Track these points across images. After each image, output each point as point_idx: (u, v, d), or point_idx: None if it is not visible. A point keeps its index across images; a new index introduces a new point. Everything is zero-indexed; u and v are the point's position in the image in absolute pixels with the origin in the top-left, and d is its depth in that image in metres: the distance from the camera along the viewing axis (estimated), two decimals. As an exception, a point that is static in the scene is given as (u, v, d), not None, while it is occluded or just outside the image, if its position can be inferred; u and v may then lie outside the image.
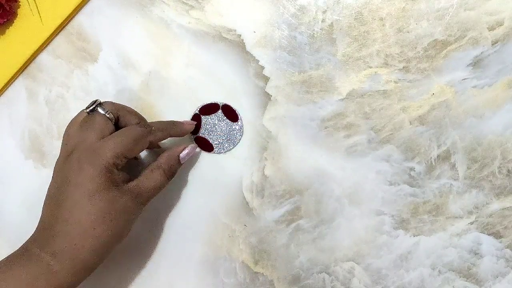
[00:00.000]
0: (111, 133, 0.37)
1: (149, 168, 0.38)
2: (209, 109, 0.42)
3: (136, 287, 0.43)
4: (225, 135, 0.42)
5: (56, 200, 0.35)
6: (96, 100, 0.37)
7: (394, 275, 0.39)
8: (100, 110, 0.37)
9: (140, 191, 0.36)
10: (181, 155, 0.39)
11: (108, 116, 0.37)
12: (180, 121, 0.41)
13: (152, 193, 0.37)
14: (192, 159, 0.43)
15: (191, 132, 0.42)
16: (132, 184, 0.36)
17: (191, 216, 0.43)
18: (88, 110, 0.37)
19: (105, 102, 0.38)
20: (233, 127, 0.42)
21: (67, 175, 0.35)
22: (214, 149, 0.42)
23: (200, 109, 0.42)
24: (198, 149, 0.42)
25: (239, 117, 0.42)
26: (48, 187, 0.37)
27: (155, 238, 0.43)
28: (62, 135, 0.38)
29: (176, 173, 0.39)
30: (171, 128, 0.40)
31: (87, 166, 0.34)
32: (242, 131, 0.42)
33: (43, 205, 0.37)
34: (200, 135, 0.42)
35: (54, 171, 0.37)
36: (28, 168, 0.46)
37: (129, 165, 0.41)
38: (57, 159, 0.37)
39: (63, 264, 0.33)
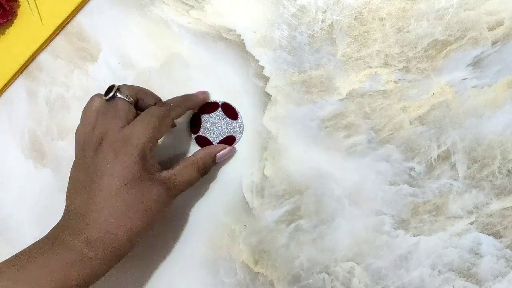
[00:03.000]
0: (135, 117, 0.37)
1: (183, 163, 0.38)
2: (209, 107, 0.42)
3: (136, 287, 0.43)
4: (226, 133, 0.42)
5: (88, 189, 0.35)
6: (113, 85, 0.37)
7: (394, 275, 0.39)
8: (120, 95, 0.37)
9: (173, 183, 0.37)
10: (218, 154, 0.40)
11: (128, 100, 0.37)
12: (192, 93, 0.41)
13: (183, 187, 0.37)
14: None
15: (191, 131, 0.42)
16: (166, 175, 0.36)
17: (191, 216, 0.43)
18: (108, 97, 0.37)
19: (122, 86, 0.38)
20: (233, 125, 0.42)
21: (100, 164, 0.35)
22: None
23: (199, 108, 0.42)
24: (235, 150, 0.42)
25: (239, 115, 0.42)
26: (71, 176, 0.37)
27: (155, 238, 0.43)
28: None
29: (208, 171, 0.40)
30: (187, 101, 0.40)
31: (122, 155, 0.34)
32: (242, 129, 0.42)
33: (70, 195, 0.36)
34: (201, 133, 0.42)
35: (80, 160, 0.37)
36: (28, 168, 0.46)
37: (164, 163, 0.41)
38: (82, 149, 0.37)
39: (97, 252, 0.33)
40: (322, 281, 0.40)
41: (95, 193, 0.34)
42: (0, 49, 0.45)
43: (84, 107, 0.38)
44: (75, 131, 0.38)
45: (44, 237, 0.35)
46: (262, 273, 0.41)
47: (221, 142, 0.42)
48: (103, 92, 0.37)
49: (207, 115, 0.42)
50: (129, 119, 0.36)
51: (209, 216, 0.42)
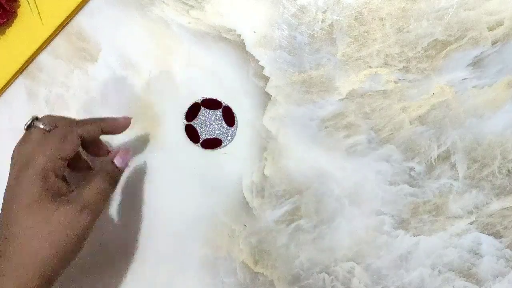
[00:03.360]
0: (46, 144, 0.34)
1: (87, 178, 0.36)
2: (211, 104, 0.42)
3: (136, 286, 0.43)
4: (215, 135, 0.42)
5: (1, 218, 0.33)
6: (33, 116, 0.35)
7: (394, 275, 0.39)
8: (36, 123, 0.35)
9: (85, 201, 0.34)
10: (115, 160, 0.37)
11: (44, 128, 0.35)
12: (115, 117, 0.38)
13: (95, 201, 0.34)
14: (192, 159, 0.42)
15: (185, 119, 0.42)
16: (73, 194, 0.34)
17: (191, 216, 0.43)
18: (25, 127, 0.35)
19: (44, 116, 0.36)
20: (227, 130, 0.42)
21: (6, 190, 0.33)
22: (199, 143, 0.42)
23: (202, 100, 0.42)
24: (131, 153, 0.40)
25: (236, 123, 0.42)
26: None
27: (155, 238, 0.43)
28: None
29: (118, 178, 0.37)
30: (103, 122, 0.37)
31: (22, 177, 0.32)
32: (233, 137, 0.42)
33: None
34: (192, 123, 0.42)
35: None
36: (28, 168, 0.46)
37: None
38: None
39: (6, 286, 0.31)
40: (322, 281, 0.40)
41: (3, 222, 0.32)
42: (0, 49, 0.45)
43: None
44: None
45: None
46: (262, 273, 0.41)
47: (207, 140, 0.42)
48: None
49: (206, 110, 0.42)
50: (39, 143, 0.34)
51: (209, 216, 0.42)
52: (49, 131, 0.34)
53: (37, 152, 0.33)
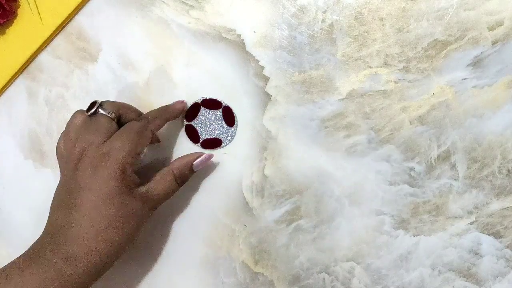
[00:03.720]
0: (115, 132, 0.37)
1: (160, 174, 0.38)
2: (211, 104, 0.42)
3: (136, 286, 0.43)
4: (215, 135, 0.42)
5: (68, 204, 0.35)
6: (96, 101, 0.37)
7: (394, 275, 0.39)
8: (101, 111, 0.37)
9: (150, 196, 0.37)
10: (194, 163, 0.39)
11: (110, 116, 0.37)
12: (170, 104, 0.41)
13: (161, 198, 0.37)
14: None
15: (185, 119, 0.42)
16: (143, 189, 0.36)
17: (191, 216, 0.43)
18: (90, 113, 0.37)
19: (104, 102, 0.38)
20: (227, 130, 0.42)
21: (80, 180, 0.35)
22: (199, 143, 0.42)
23: (202, 100, 0.42)
24: (212, 159, 0.41)
25: (235, 123, 0.42)
26: (55, 192, 0.37)
27: (155, 238, 0.43)
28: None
29: (187, 180, 0.40)
30: (165, 113, 0.40)
31: (101, 170, 0.34)
32: (233, 137, 0.42)
33: (52, 209, 0.36)
34: (192, 123, 0.42)
35: (63, 176, 0.37)
36: (28, 168, 0.46)
37: (141, 170, 0.41)
38: (63, 164, 0.37)
39: (76, 268, 0.33)
40: (322, 281, 0.40)
41: (75, 209, 0.34)
42: (0, 49, 0.45)
43: (67, 123, 0.38)
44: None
45: (24, 253, 0.35)
46: (262, 273, 0.41)
47: (207, 140, 0.42)
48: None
49: (206, 110, 0.42)
50: (110, 134, 0.36)
51: (209, 216, 0.42)
52: (113, 119, 0.37)
53: (116, 146, 0.35)
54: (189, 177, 0.40)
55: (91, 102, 0.38)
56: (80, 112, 0.38)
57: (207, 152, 0.41)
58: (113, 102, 0.39)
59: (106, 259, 0.34)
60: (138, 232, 0.36)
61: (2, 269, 0.34)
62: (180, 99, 0.42)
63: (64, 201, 0.35)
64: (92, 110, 0.37)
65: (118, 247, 0.35)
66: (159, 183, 0.37)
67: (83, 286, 0.34)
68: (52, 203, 0.37)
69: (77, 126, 0.37)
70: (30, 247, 0.35)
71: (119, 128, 0.37)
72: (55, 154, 0.39)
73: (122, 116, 0.38)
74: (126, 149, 0.35)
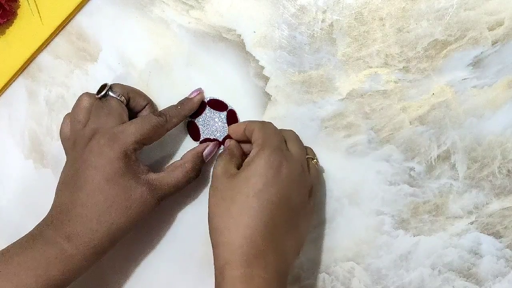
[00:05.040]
0: (127, 116, 0.38)
1: (172, 165, 0.38)
2: (217, 105, 0.42)
3: (136, 286, 0.43)
4: (216, 136, 0.42)
5: (73, 183, 0.35)
6: (106, 84, 0.38)
7: (394, 275, 0.39)
8: (112, 94, 0.38)
9: (159, 184, 0.37)
10: (204, 153, 0.40)
11: (120, 99, 0.38)
12: (186, 98, 0.41)
13: (171, 189, 0.37)
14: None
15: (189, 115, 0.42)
16: (153, 176, 0.37)
17: (191, 215, 0.43)
18: (100, 96, 0.37)
19: (115, 84, 0.39)
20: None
21: (87, 159, 0.35)
22: (199, 141, 0.42)
23: (209, 100, 0.42)
24: (221, 147, 0.42)
25: None
26: (62, 172, 0.37)
27: (155, 238, 0.43)
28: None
29: (200, 172, 0.39)
30: (183, 110, 0.40)
31: (107, 149, 0.35)
32: None
33: (58, 189, 0.37)
34: (195, 121, 0.42)
35: (69, 156, 0.38)
36: (28, 168, 0.46)
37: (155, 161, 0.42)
38: (70, 145, 0.38)
39: (77, 248, 0.34)
40: (322, 281, 0.40)
41: (80, 187, 0.35)
42: (0, 49, 0.45)
43: (74, 106, 0.38)
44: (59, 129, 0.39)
45: (28, 233, 0.35)
46: (262, 273, 0.41)
47: (207, 140, 0.42)
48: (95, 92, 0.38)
49: (211, 110, 0.42)
50: (123, 117, 0.37)
51: (209, 216, 0.42)
52: (123, 102, 0.38)
53: (127, 131, 0.35)
54: (201, 168, 0.40)
55: (101, 85, 0.38)
56: (87, 94, 0.38)
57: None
58: (122, 85, 0.39)
59: (106, 240, 0.35)
60: (140, 218, 0.36)
61: (6, 248, 0.34)
62: (197, 88, 0.41)
63: (70, 180, 0.36)
64: (103, 93, 0.37)
65: (120, 230, 0.35)
66: (169, 174, 0.37)
67: (83, 266, 0.35)
68: (58, 185, 0.37)
69: (86, 108, 0.37)
70: (34, 227, 0.36)
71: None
72: (53, 156, 0.39)
73: (131, 100, 0.39)
74: (137, 137, 0.35)
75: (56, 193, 0.37)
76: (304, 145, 0.40)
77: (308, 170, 0.36)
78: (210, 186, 0.36)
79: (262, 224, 0.32)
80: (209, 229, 0.34)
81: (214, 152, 0.41)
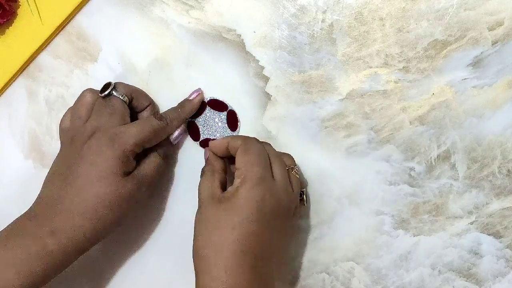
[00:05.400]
0: (129, 116, 0.38)
1: (147, 158, 0.38)
2: (217, 105, 0.42)
3: (136, 286, 0.43)
4: (216, 136, 0.42)
5: (64, 178, 0.35)
6: (110, 83, 0.38)
7: (394, 275, 0.39)
8: (115, 94, 0.38)
9: (141, 178, 0.37)
10: (171, 138, 0.40)
11: (123, 99, 0.38)
12: (186, 100, 0.41)
13: (152, 176, 0.38)
14: (192, 158, 0.42)
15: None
16: (136, 172, 0.37)
17: (191, 215, 0.43)
18: (103, 94, 0.37)
19: (118, 84, 0.39)
20: (228, 133, 0.42)
21: (84, 155, 0.35)
22: (198, 142, 0.42)
23: (209, 100, 0.42)
24: (186, 132, 0.42)
25: (238, 128, 0.42)
26: (52, 166, 0.37)
27: (155, 237, 0.43)
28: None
29: (169, 153, 0.41)
30: (183, 113, 0.40)
31: (106, 148, 0.35)
32: None
33: (46, 181, 0.37)
34: (195, 121, 0.42)
35: (64, 150, 0.38)
36: (27, 168, 0.46)
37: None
38: (68, 140, 0.37)
39: (60, 243, 0.34)
40: (322, 281, 0.40)
41: (70, 182, 0.35)
42: (0, 49, 0.45)
43: (76, 101, 0.39)
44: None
45: (9, 226, 0.35)
46: (262, 273, 0.41)
47: (207, 140, 0.42)
48: (98, 89, 0.38)
49: (211, 110, 0.42)
50: (125, 118, 0.37)
51: (209, 216, 0.42)
52: (126, 102, 0.38)
53: (128, 133, 0.36)
54: (170, 150, 0.41)
55: (105, 83, 0.38)
56: (90, 90, 0.39)
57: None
58: (126, 84, 0.39)
59: (90, 237, 0.35)
60: (128, 216, 0.37)
61: None
62: (196, 89, 0.42)
63: (60, 174, 0.36)
64: (107, 92, 0.37)
65: (105, 228, 0.35)
66: (146, 162, 0.38)
67: (65, 262, 0.34)
68: (47, 177, 0.37)
69: (89, 104, 0.38)
70: (16, 219, 0.35)
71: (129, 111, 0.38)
72: (53, 156, 0.39)
73: (133, 100, 0.39)
74: (137, 140, 0.36)
75: (44, 185, 0.37)
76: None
77: (291, 188, 0.36)
78: (197, 208, 0.36)
79: (242, 255, 0.32)
80: (192, 252, 0.35)
81: (180, 137, 0.41)
